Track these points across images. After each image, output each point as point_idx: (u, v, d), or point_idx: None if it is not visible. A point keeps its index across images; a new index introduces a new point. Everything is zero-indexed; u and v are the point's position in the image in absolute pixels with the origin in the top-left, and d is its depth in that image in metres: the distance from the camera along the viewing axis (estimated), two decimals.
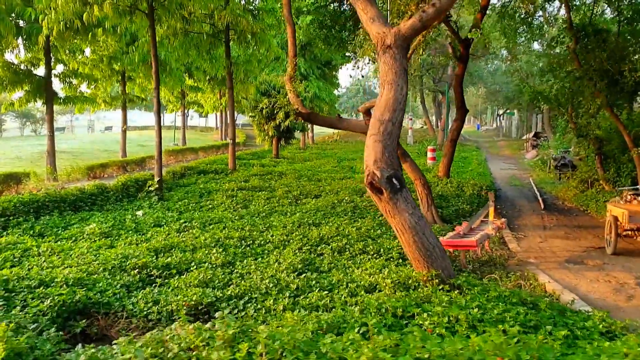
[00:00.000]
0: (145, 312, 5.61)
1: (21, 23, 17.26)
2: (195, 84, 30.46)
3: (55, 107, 21.38)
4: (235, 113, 46.42)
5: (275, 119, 23.19)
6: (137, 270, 6.96)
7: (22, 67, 18.78)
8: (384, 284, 6.17)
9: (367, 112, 11.82)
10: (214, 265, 7.34)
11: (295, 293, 6.09)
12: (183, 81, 26.62)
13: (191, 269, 7.14)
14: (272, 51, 19.23)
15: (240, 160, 22.32)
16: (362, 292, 6.06)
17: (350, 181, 16.41)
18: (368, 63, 21.10)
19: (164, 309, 5.62)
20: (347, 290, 6.07)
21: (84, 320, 5.33)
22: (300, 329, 4.11)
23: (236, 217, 11.07)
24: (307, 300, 5.82)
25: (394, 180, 6.06)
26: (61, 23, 13.26)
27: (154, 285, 6.57)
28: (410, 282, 6.14)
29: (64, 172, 18.75)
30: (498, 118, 64.11)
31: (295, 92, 12.73)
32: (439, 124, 48.75)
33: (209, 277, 6.60)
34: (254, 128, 24.65)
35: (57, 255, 7.72)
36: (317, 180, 16.97)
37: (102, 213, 11.47)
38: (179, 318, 5.49)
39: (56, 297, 5.49)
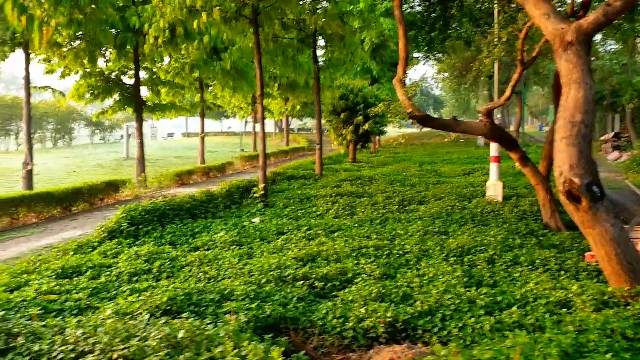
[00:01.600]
0: (338, 329, 5.33)
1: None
2: (267, 90, 30.56)
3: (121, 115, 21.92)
4: (290, 118, 46.54)
5: (354, 122, 22.94)
6: (300, 281, 6.72)
7: (112, 75, 19.14)
8: (579, 301, 5.71)
9: (488, 114, 11.34)
10: (371, 276, 7.04)
11: (485, 309, 5.70)
12: (255, 87, 26.67)
13: (353, 280, 6.86)
14: (358, 55, 18.96)
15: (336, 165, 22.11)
16: (557, 309, 5.63)
17: (447, 186, 15.90)
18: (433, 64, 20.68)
19: (358, 325, 5.33)
20: (545, 308, 5.64)
21: (284, 337, 5.09)
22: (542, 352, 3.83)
23: (355, 225, 10.78)
24: (502, 316, 5.43)
25: (594, 187, 5.60)
26: (166, 31, 13.35)
27: (325, 298, 6.31)
28: (610, 299, 5.66)
29: (155, 179, 18.97)
30: None
31: (406, 94, 12.35)
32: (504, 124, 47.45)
33: (378, 290, 6.28)
34: (331, 132, 24.46)
35: (207, 265, 7.59)
36: (411, 185, 16.54)
37: (220, 220, 11.39)
38: (377, 336, 5.23)
39: (247, 311, 5.30)
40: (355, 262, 7.74)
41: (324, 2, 17.16)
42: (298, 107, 37.36)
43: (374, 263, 7.70)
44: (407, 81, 12.88)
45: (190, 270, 7.38)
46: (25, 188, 14.92)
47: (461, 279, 6.81)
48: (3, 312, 5.07)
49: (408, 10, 22.46)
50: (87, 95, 18.99)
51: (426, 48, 17.57)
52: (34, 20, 5.18)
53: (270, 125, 71.83)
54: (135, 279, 7.04)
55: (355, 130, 23.33)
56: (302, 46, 17.76)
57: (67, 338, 3.95)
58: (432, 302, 5.85)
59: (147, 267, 7.43)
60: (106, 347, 3.76)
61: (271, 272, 6.95)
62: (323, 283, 6.76)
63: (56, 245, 10.36)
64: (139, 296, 5.91)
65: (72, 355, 3.74)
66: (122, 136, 52.82)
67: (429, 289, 6.32)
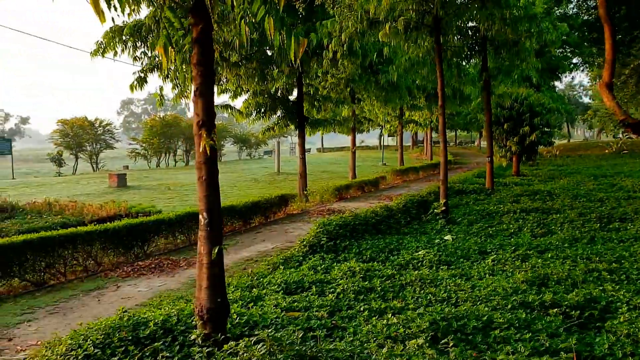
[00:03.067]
0: None
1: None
2: (414, 102, 30.00)
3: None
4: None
5: (519, 133, 21.52)
6: (550, 308, 5.99)
7: (278, 93, 19.71)
8: None
9: None
10: (633, 306, 6.10)
11: None
12: (406, 99, 26.19)
13: (610, 309, 6.00)
14: (531, 62, 17.69)
15: (481, 179, 20.92)
16: None
17: None
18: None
19: None
20: None
21: None
22: None
23: (564, 245, 9.75)
24: None
25: None
26: (344, 46, 13.34)
27: (585, 328, 5.54)
28: None
29: (318, 193, 19.13)
30: None
31: (614, 100, 11.07)
32: None
33: None
34: (494, 145, 23.18)
35: (432, 286, 7.11)
36: (599, 200, 14.94)
37: (409, 237, 10.94)
38: None
39: (520, 342, 4.70)
40: (598, 287, 6.82)
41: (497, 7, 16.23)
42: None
43: (622, 290, 6.72)
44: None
45: (414, 291, 6.96)
46: None
47: None
48: (274, 331, 4.95)
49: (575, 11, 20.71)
50: (254, 113, 19.72)
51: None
52: (291, 32, 5.17)
53: (405, 137, 71.08)
54: (361, 297, 6.76)
55: (520, 141, 21.86)
56: (473, 53, 16.95)
57: None
58: None
59: (368, 286, 7.12)
60: None
61: (513, 298, 6.30)
62: (578, 312, 5.97)
63: (256, 257, 10.57)
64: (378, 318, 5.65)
65: None
66: (264, 152, 55.25)
67: None
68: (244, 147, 51.37)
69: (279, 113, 20.33)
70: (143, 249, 11.28)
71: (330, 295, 6.84)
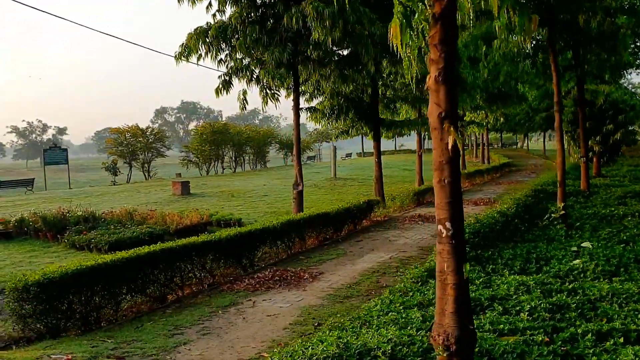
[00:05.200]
0: None
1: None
2: (476, 102, 28.97)
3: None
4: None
5: (602, 131, 20.39)
6: None
7: (352, 95, 19.00)
8: None
9: None
10: None
11: None
12: (476, 99, 25.20)
13: None
14: (625, 56, 16.63)
15: (567, 181, 19.79)
16: None
17: None
18: None
19: None
20: None
21: None
22: None
23: None
24: None
25: None
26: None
27: None
28: None
29: (398, 199, 18.33)
30: None
31: None
32: None
33: None
34: (572, 144, 22.10)
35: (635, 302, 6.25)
36: None
37: (542, 243, 10.06)
38: None
39: None
40: None
41: None
42: (502, 120, 35.10)
43: None
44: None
45: (615, 307, 6.10)
46: (297, 209, 14.99)
47: None
48: None
49: None
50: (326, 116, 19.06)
51: None
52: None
53: (408, 140, 69.60)
54: (558, 316, 5.94)
55: (603, 140, 20.72)
56: (565, 48, 15.97)
57: None
58: None
59: (558, 302, 6.29)
60: None
61: None
62: None
63: (378, 268, 9.83)
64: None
65: None
66: (307, 158, 54.66)
67: None
68: (289, 153, 50.88)
69: (350, 115, 19.61)
70: (250, 259, 10.65)
71: (522, 314, 6.03)
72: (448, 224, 4.26)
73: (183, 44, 14.33)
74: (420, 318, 5.86)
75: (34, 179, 31.80)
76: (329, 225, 13.54)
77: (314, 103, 19.19)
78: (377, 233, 13.87)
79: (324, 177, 31.54)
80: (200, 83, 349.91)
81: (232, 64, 14.78)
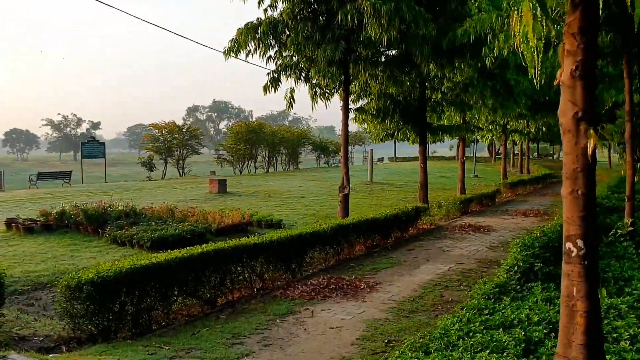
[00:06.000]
0: None
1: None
2: (520, 110, 28.07)
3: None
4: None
5: None
6: None
7: (400, 97, 18.41)
8: None
9: None
10: None
11: None
12: (521, 106, 24.31)
13: None
14: None
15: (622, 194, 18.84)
16: None
17: None
18: None
19: None
20: None
21: None
22: None
23: None
24: None
25: None
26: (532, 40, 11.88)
27: None
28: None
29: (444, 207, 17.65)
30: None
31: None
32: None
33: None
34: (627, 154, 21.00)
35: None
36: None
37: (614, 261, 9.32)
38: None
39: None
40: None
41: None
42: (544, 129, 34.03)
43: None
44: None
45: None
46: (343, 212, 14.48)
47: None
48: None
49: None
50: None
51: None
52: None
53: (440, 147, 68.27)
54: None
55: None
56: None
57: None
58: None
59: None
60: None
61: None
62: None
63: (438, 281, 9.24)
64: None
65: None
66: (339, 160, 54.11)
67: None
68: (322, 155, 50.50)
69: (396, 118, 19.01)
70: (299, 264, 10.17)
71: (623, 343, 5.38)
72: (580, 242, 3.67)
73: (233, 39, 13.98)
74: (513, 342, 5.27)
75: (71, 171, 31.99)
76: (377, 231, 12.98)
77: (358, 104, 18.67)
78: (427, 242, 13.25)
79: (359, 181, 30.95)
80: (232, 83, 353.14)
81: (281, 61, 14.35)
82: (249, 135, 41.64)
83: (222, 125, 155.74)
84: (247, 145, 41.99)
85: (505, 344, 5.25)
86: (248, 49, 14.13)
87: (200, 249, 7.99)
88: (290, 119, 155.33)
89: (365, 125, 18.78)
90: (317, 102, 14.61)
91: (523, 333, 5.68)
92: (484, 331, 5.84)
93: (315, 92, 14.57)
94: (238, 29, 14.07)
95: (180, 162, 40.36)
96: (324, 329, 6.70)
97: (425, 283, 9.10)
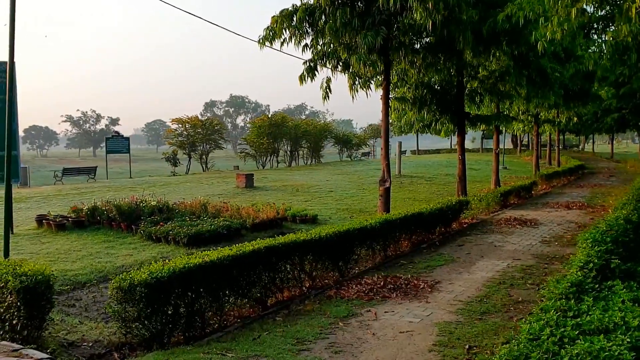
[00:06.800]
0: None
1: None
2: (547, 101, 27.14)
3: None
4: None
5: None
6: None
7: (437, 86, 17.75)
8: None
9: None
10: None
11: None
12: (558, 96, 23.42)
13: None
14: None
15: None
16: None
17: None
18: None
19: None
20: None
21: None
22: None
23: None
24: None
25: None
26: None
27: None
28: None
29: (484, 200, 16.98)
30: None
31: None
32: None
33: None
34: None
35: None
36: None
37: None
38: None
39: None
40: None
41: None
42: (575, 120, 33.03)
43: None
44: None
45: None
46: (383, 207, 13.90)
47: None
48: None
49: None
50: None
51: None
52: None
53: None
54: None
55: None
56: None
57: None
58: None
59: None
60: None
61: None
62: None
63: (500, 279, 8.64)
64: None
65: None
66: (362, 154, 53.49)
67: None
68: (345, 149, 49.80)
69: (433, 108, 18.33)
70: (346, 262, 9.64)
71: None
72: None
73: (268, 27, 13.45)
74: (621, 350, 4.69)
75: (96, 167, 31.77)
76: (422, 226, 12.40)
77: (391, 95, 18.02)
78: (475, 237, 12.63)
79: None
80: (249, 77, 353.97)
81: (318, 49, 13.78)
82: (271, 129, 41.13)
83: (239, 120, 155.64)
84: (270, 139, 41.47)
85: (617, 353, 4.66)
86: (283, 37, 13.61)
87: (251, 247, 7.48)
88: (307, 112, 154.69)
89: (401, 116, 18.09)
90: (357, 92, 14.03)
91: (628, 340, 5.09)
92: (580, 337, 5.25)
93: (355, 81, 13.98)
94: (272, 17, 13.55)
95: (204, 156, 39.99)
96: (394, 333, 6.15)
97: (487, 281, 8.51)
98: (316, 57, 13.85)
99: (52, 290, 5.76)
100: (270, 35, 13.47)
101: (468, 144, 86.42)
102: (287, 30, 13.53)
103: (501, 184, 23.13)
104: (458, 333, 6.10)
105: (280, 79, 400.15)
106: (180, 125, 39.52)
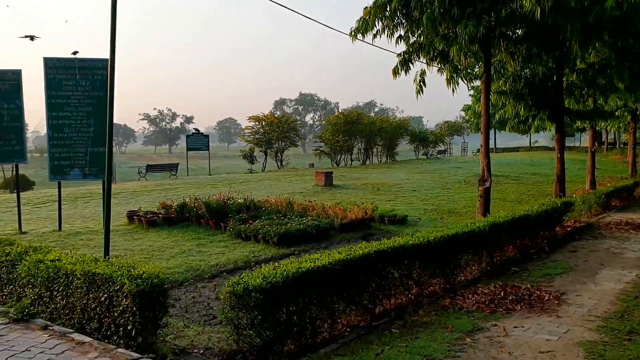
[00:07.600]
0: None
1: None
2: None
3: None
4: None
5: None
6: None
7: (535, 79, 16.53)
8: None
9: None
10: None
11: None
12: None
13: None
14: None
15: None
16: None
17: None
18: None
19: None
20: None
21: None
22: None
23: None
24: None
25: None
26: None
27: None
28: None
29: (587, 203, 15.68)
30: None
31: None
32: None
33: None
34: None
35: None
36: None
37: None
38: None
39: None
40: None
41: None
42: None
43: None
44: None
45: None
46: (483, 209, 13.05)
47: None
48: None
49: None
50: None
51: None
52: None
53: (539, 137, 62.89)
54: None
55: None
56: None
57: None
58: None
59: None
60: None
61: None
62: None
63: (634, 292, 7.67)
64: None
65: None
66: (438, 152, 51.95)
67: None
68: (420, 146, 48.46)
69: (530, 102, 17.12)
70: (452, 268, 8.92)
71: None
72: None
73: (361, 18, 12.91)
74: None
75: (178, 164, 32.46)
76: (528, 230, 11.45)
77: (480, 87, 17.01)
78: (587, 242, 11.58)
79: (469, 173, 29.07)
80: (318, 75, 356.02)
81: (414, 39, 13.09)
82: (346, 127, 40.56)
83: (308, 117, 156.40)
84: (345, 136, 40.91)
85: None
86: (376, 29, 13.03)
87: (361, 251, 6.95)
88: (376, 109, 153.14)
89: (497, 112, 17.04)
90: (457, 84, 13.23)
91: None
92: None
93: (454, 74, 13.18)
94: (365, 8, 13.00)
95: (279, 154, 40.06)
96: (533, 354, 5.43)
97: (620, 294, 7.58)
98: (411, 50, 13.16)
99: (166, 295, 5.45)
100: (363, 27, 12.92)
101: (542, 141, 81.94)
102: (380, 21, 12.94)
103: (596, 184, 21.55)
104: (609, 356, 5.30)
105: (350, 76, 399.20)
106: (256, 123, 39.76)
